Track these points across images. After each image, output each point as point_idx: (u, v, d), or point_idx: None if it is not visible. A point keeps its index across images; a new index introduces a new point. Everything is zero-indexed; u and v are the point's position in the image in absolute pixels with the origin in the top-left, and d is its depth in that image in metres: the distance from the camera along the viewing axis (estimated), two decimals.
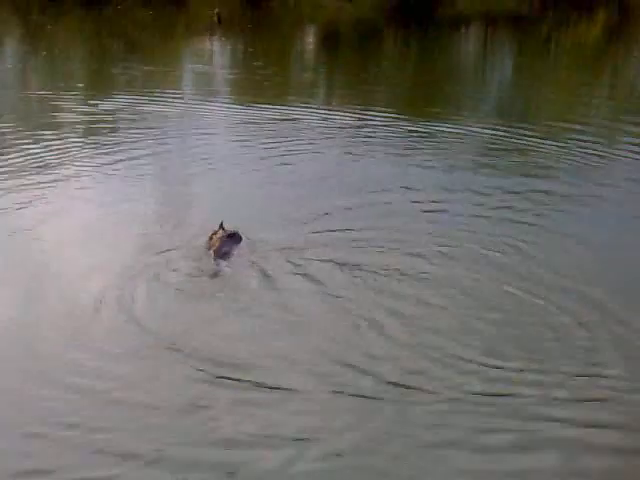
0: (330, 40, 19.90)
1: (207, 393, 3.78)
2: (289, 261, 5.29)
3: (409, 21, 22.59)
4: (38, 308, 4.65)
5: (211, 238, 5.42)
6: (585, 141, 9.13)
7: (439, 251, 5.59)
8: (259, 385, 3.83)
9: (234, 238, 5.46)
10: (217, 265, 5.23)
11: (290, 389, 3.81)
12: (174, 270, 5.12)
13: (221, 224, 5.53)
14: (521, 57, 18.08)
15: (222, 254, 5.27)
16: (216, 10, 19.64)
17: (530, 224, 6.28)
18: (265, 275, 5.08)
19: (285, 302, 4.75)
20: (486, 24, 23.64)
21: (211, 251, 5.31)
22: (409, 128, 9.82)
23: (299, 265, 5.23)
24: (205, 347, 4.18)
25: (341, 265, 5.22)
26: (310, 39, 20.32)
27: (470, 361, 4.08)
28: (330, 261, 5.28)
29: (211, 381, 3.87)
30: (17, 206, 6.43)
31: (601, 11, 27.26)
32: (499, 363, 4.08)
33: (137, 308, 4.59)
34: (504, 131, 9.63)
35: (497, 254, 5.57)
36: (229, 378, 3.88)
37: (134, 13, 22.43)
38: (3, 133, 9.17)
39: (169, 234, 5.76)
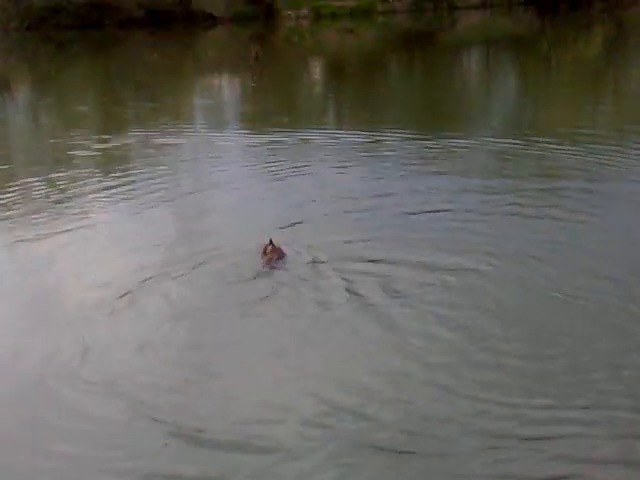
0: (336, 69, 20.13)
1: (220, 462, 3.39)
2: (314, 283, 5.20)
3: (411, 48, 22.86)
4: (38, 348, 4.45)
5: (265, 252, 5.62)
6: (596, 146, 9.18)
7: (472, 266, 5.38)
8: (273, 446, 3.46)
9: (281, 253, 5.68)
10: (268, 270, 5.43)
11: (309, 447, 3.45)
12: (188, 302, 5.03)
13: (270, 241, 5.68)
14: (524, 74, 18.20)
15: (271, 267, 5.52)
16: (255, 50, 20.01)
17: (565, 226, 6.23)
18: (289, 302, 4.96)
19: (302, 338, 4.46)
20: (487, 46, 23.90)
21: (263, 261, 5.58)
22: (422, 144, 9.87)
23: (322, 289, 5.09)
24: (217, 407, 3.79)
25: (363, 296, 4.97)
26: (316, 69, 20.57)
27: (510, 401, 3.69)
28: (354, 291, 5.07)
29: (225, 447, 3.47)
30: (33, 237, 6.54)
31: (598, 27, 27.54)
32: (540, 402, 3.69)
33: (136, 360, 4.29)
34: (516, 141, 9.67)
35: (539, 265, 5.34)
36: (243, 444, 3.49)
37: (141, 56, 22.79)
38: (19, 170, 9.41)
39: (184, 261, 5.73)
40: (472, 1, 30.58)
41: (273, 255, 5.60)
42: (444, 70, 18.76)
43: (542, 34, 25.81)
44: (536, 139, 9.71)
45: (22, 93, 17.95)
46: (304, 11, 28.92)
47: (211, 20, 28.03)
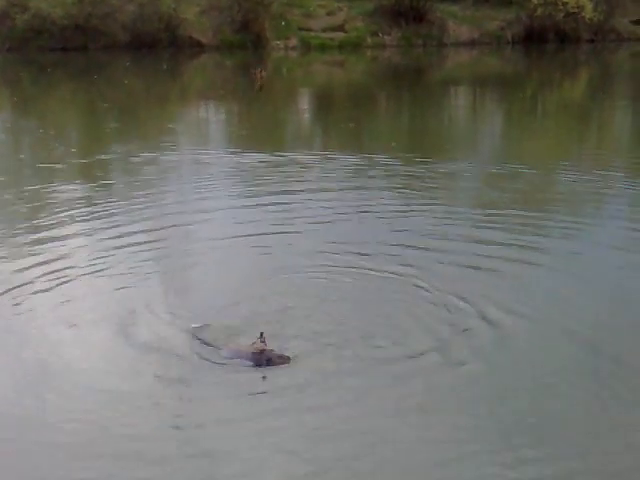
0: (325, 100, 20.15)
1: None
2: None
3: (399, 83, 22.97)
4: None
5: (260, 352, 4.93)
6: (579, 174, 9.54)
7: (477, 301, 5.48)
8: None
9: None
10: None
11: None
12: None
13: (261, 334, 4.99)
14: (510, 111, 18.35)
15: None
16: (259, 73, 19.70)
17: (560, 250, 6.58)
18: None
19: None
20: (473, 84, 24.04)
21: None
22: (420, 169, 9.84)
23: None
24: None
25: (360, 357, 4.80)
26: (305, 99, 20.53)
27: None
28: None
29: None
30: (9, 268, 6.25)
31: (583, 70, 27.86)
32: None
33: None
34: (501, 170, 9.89)
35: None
36: None
37: (124, 83, 22.60)
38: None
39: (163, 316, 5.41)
40: (461, 39, 30.83)
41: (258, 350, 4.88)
42: (431, 105, 18.90)
43: (528, 75, 26.05)
44: (521, 169, 9.86)
45: (4, 119, 17.53)
46: (293, 42, 28.91)
47: (198, 47, 27.86)
